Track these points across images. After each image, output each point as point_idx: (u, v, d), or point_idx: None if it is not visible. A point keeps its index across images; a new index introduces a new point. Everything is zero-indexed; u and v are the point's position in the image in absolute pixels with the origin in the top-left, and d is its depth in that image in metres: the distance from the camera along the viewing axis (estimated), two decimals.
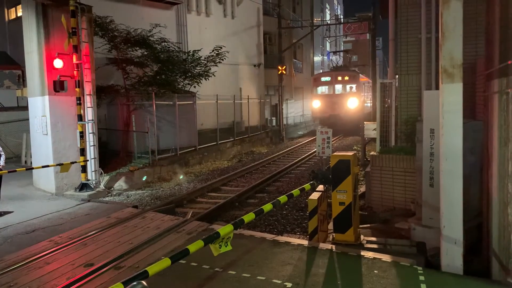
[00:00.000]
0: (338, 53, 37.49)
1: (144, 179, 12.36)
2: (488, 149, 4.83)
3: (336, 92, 26.37)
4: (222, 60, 16.51)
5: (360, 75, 28.03)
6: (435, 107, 5.23)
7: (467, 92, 5.82)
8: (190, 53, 16.09)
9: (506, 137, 4.07)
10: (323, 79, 26.97)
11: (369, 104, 29.02)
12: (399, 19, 8.73)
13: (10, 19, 22.17)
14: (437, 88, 6.69)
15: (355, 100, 25.52)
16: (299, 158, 16.33)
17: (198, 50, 16.16)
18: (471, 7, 7.61)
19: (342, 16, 50.80)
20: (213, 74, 16.20)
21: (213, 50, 16.38)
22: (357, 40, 57.76)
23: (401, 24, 8.64)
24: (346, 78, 26.11)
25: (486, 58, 5.19)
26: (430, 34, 8.19)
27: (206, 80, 16.13)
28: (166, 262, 3.09)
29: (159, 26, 14.78)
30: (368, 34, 36.09)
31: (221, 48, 16.47)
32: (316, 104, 26.83)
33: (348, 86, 26.26)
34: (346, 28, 44.93)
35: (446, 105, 4.54)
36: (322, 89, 27.13)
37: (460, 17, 4.45)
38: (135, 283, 2.59)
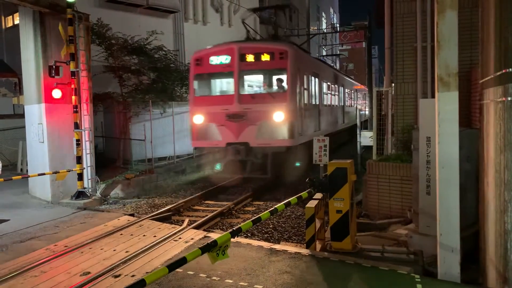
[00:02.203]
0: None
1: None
2: (484, 157, 4.86)
3: (243, 92, 11.41)
4: None
5: (300, 50, 13.00)
6: (431, 115, 5.27)
7: (462, 100, 5.87)
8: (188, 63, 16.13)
9: (502, 146, 4.10)
10: (213, 60, 11.60)
11: (366, 112, 27.47)
12: (394, 28, 8.81)
13: (7, 26, 22.21)
14: (433, 96, 6.75)
15: (279, 114, 10.84)
16: None
17: None
18: (466, 16, 7.69)
19: (338, 25, 51.21)
20: None
21: None
22: (353, 48, 58.15)
23: (397, 33, 8.71)
24: (266, 57, 11.08)
25: (481, 66, 5.24)
26: (425, 43, 8.26)
27: None
28: (163, 271, 3.08)
29: (156, 33, 14.84)
30: (364, 43, 36.27)
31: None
32: (197, 120, 11.62)
33: (274, 79, 11.60)
34: (342, 36, 45.22)
35: (442, 113, 4.58)
36: (212, 85, 12.31)
37: (455, 26, 4.50)
38: None
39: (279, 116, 10.66)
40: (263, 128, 10.75)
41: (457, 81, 4.51)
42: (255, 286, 4.64)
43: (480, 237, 5.21)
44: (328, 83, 16.49)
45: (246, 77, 11.63)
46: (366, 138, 11.51)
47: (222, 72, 11.51)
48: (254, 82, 12.17)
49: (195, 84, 11.87)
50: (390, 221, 7.70)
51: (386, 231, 7.37)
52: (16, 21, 19.81)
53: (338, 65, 49.00)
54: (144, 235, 6.80)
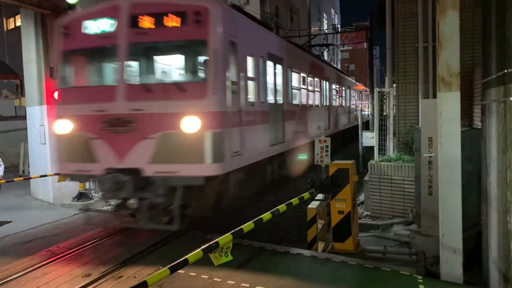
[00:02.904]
0: None
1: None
2: (487, 158, 4.85)
3: (132, 81, 6.82)
4: None
5: (239, 14, 7.74)
6: (433, 116, 5.26)
7: (464, 101, 5.85)
8: None
9: (504, 146, 4.09)
10: (89, 27, 6.90)
11: (367, 113, 26.32)
12: (396, 29, 8.81)
13: (8, 28, 22.27)
14: (434, 96, 6.75)
15: (193, 120, 6.15)
16: None
17: None
18: (467, 16, 7.69)
19: (339, 26, 51.23)
20: None
21: None
22: (354, 49, 58.13)
23: (398, 33, 8.71)
24: (172, 21, 6.42)
25: (482, 66, 5.23)
26: (427, 43, 8.26)
27: None
28: (165, 273, 3.08)
29: None
30: (365, 43, 36.24)
31: None
32: (61, 128, 6.82)
33: (187, 58, 7.22)
34: (344, 37, 45.24)
35: (444, 113, 4.57)
36: (86, 70, 7.53)
37: (456, 26, 4.49)
38: None
39: (192, 124, 6.16)
40: (165, 144, 6.28)
41: (459, 81, 4.50)
42: (257, 287, 4.63)
43: (483, 238, 5.20)
44: (303, 74, 12.11)
45: (140, 56, 7.07)
46: (368, 138, 11.46)
47: (101, 47, 6.89)
48: (153, 64, 7.32)
49: (61, 68, 7.17)
50: (392, 221, 7.70)
51: (388, 231, 7.36)
52: (18, 23, 19.86)
53: (339, 66, 48.98)
54: (146, 236, 6.79)
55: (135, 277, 5.10)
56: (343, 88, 20.78)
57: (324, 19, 47.78)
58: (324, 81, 15.36)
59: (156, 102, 6.36)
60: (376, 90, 10.02)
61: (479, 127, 5.87)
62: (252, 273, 5.04)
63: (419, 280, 4.64)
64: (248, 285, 4.69)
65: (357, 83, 29.60)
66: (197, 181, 6.26)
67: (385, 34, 10.31)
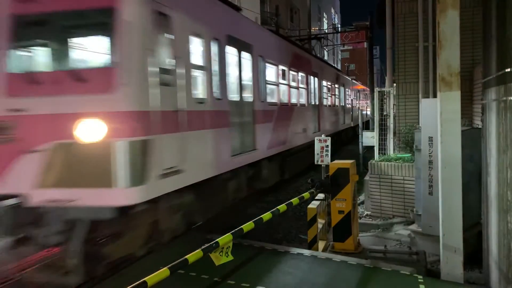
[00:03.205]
0: None
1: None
2: (487, 157, 4.85)
3: (15, 69, 4.92)
4: None
5: None
6: (433, 115, 5.26)
7: (465, 100, 5.85)
8: None
9: (505, 145, 4.08)
10: None
11: (367, 113, 26.07)
12: (396, 28, 8.81)
13: None
14: (434, 96, 6.75)
15: (96, 125, 4.43)
16: None
17: None
18: (467, 15, 7.69)
19: (339, 25, 51.22)
20: None
21: None
22: (355, 49, 58.20)
23: (399, 33, 8.71)
24: None
25: (483, 66, 5.23)
26: (427, 42, 8.26)
27: None
28: (165, 273, 3.08)
29: None
30: (365, 43, 36.26)
31: None
32: None
33: (89, 38, 5.23)
34: (344, 37, 45.27)
35: (445, 113, 4.57)
36: None
37: (456, 26, 4.49)
38: None
39: (93, 129, 4.54)
40: (58, 159, 4.61)
41: (459, 80, 4.50)
42: (257, 287, 4.63)
43: (483, 237, 5.19)
44: (282, 67, 10.43)
45: (27, 33, 5.09)
46: (368, 138, 11.46)
47: None
48: (44, 45, 5.37)
49: None
50: (393, 221, 7.70)
51: (388, 231, 7.36)
52: None
53: (339, 66, 48.99)
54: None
55: (136, 277, 5.09)
56: (337, 86, 19.08)
57: (324, 19, 47.79)
58: (312, 77, 13.53)
59: (45, 99, 4.65)
60: (376, 89, 10.02)
61: (480, 126, 5.87)
62: (252, 273, 5.03)
63: (419, 280, 4.63)
64: (248, 285, 4.69)
65: (354, 81, 29.52)
66: (103, 214, 4.52)
67: (385, 33, 10.32)
